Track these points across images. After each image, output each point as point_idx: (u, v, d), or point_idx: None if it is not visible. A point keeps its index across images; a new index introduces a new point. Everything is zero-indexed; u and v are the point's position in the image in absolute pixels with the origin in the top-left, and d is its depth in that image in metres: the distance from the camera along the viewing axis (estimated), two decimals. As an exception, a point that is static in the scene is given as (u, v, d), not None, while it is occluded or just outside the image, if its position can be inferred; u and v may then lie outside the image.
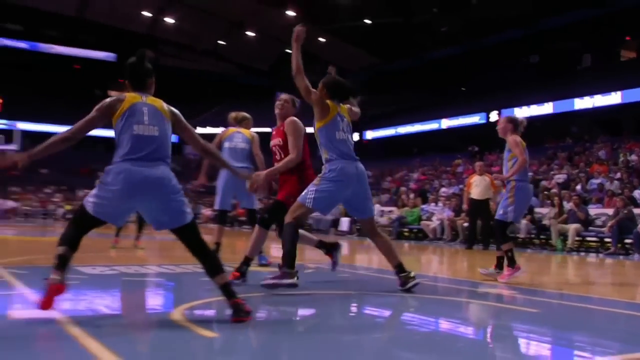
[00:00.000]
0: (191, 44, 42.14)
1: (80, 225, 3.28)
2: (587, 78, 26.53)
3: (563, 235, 12.08)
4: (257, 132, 6.79)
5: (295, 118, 4.99)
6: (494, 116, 27.76)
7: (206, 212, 22.82)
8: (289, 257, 4.36)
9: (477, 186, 11.56)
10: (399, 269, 4.69)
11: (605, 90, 24.43)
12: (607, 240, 11.90)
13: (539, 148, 21.95)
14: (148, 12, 38.95)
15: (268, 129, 5.19)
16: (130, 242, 9.02)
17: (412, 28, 33.45)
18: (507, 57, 31.34)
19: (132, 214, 3.72)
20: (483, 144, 24.64)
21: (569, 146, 22.74)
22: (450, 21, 32.43)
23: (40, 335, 2.97)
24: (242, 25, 38.64)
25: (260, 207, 7.13)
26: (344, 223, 17.50)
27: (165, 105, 3.38)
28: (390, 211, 17.37)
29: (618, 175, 15.51)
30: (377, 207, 17.15)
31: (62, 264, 3.15)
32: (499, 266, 5.83)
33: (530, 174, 9.32)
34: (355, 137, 34.91)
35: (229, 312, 3.19)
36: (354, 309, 4.34)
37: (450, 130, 31.69)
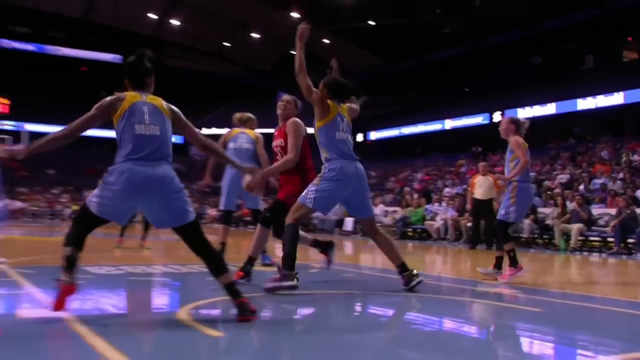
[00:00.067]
0: (196, 45, 42.28)
1: (84, 224, 3.32)
2: (590, 79, 26.44)
3: (566, 235, 12.07)
4: (261, 133, 6.83)
5: (297, 119, 5.00)
6: (497, 117, 27.71)
7: (211, 212, 22.83)
8: (289, 259, 4.38)
9: (480, 186, 11.56)
10: (402, 268, 4.71)
11: (607, 90, 24.37)
12: (609, 240, 11.90)
13: (542, 148, 21.94)
14: (153, 14, 39.12)
15: (272, 130, 5.21)
16: (136, 242, 9.07)
17: (415, 29, 33.41)
18: (510, 58, 31.26)
19: (135, 212, 3.75)
20: (486, 144, 24.64)
21: (572, 146, 22.69)
22: (453, 22, 32.37)
23: (47, 334, 3.00)
24: (246, 27, 38.70)
25: (265, 207, 7.15)
26: (348, 223, 17.50)
27: (164, 104, 3.40)
28: (394, 211, 17.37)
29: (621, 175, 15.51)
30: (381, 207, 17.18)
31: (71, 264, 3.21)
32: (498, 266, 5.84)
33: (533, 174, 9.34)
34: (359, 137, 34.88)
35: (234, 311, 3.21)
36: (358, 308, 4.36)
37: (454, 130, 31.64)
